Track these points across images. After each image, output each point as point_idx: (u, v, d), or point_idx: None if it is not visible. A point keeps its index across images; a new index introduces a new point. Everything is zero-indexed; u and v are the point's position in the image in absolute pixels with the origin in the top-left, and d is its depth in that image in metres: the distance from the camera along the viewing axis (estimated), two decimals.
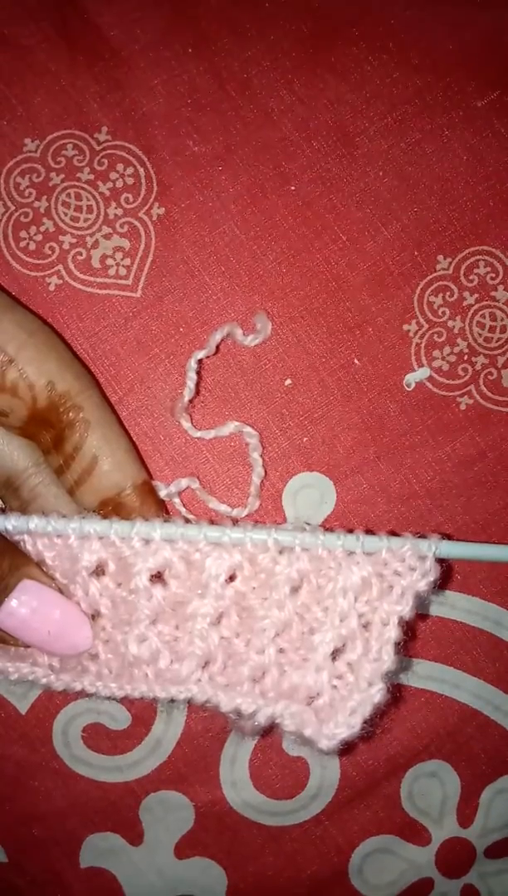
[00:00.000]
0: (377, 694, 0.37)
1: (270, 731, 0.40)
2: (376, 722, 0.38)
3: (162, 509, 0.40)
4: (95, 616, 0.38)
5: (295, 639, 0.38)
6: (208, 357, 0.45)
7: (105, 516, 0.38)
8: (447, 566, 0.46)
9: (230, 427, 0.44)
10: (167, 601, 0.37)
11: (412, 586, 0.37)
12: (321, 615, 0.38)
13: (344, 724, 0.37)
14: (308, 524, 0.40)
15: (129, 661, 0.37)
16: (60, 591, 0.37)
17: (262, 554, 0.37)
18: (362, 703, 0.37)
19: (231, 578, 0.38)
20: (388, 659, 0.38)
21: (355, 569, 0.37)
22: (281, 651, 0.38)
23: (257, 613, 0.38)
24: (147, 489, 0.39)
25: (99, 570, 0.37)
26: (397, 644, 0.38)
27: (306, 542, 0.37)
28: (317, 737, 0.37)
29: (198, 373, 0.45)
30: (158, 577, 0.38)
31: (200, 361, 0.45)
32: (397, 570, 0.37)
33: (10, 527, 0.37)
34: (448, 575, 0.46)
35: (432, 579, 0.38)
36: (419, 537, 0.38)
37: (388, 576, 0.38)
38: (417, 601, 0.38)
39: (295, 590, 0.38)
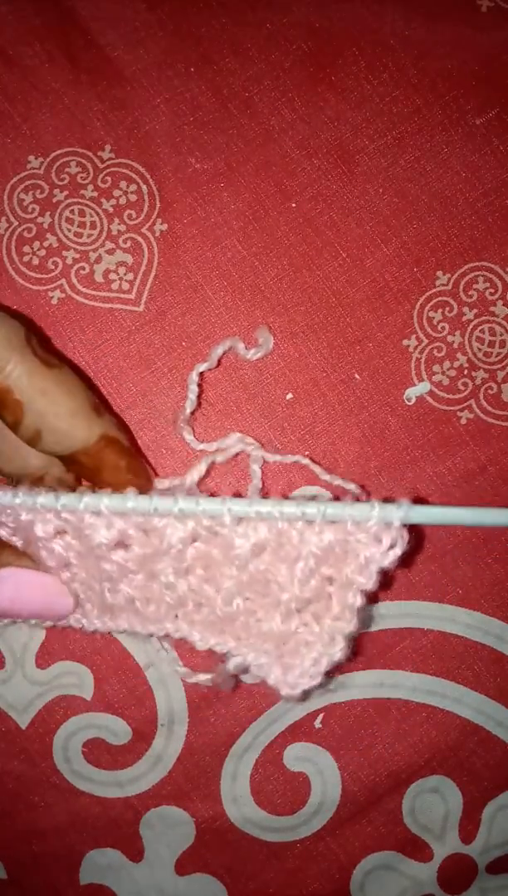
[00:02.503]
0: (338, 652, 0.37)
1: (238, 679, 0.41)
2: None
3: (131, 457, 0.39)
4: (67, 565, 0.38)
5: (261, 591, 0.38)
6: (210, 371, 0.45)
7: (74, 479, 0.39)
8: (447, 580, 0.46)
9: (232, 439, 0.44)
10: (131, 562, 0.37)
11: (377, 559, 0.36)
12: (285, 572, 0.37)
13: (306, 675, 0.37)
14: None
15: (107, 604, 0.38)
16: (34, 566, 0.37)
17: (219, 526, 0.36)
18: (323, 656, 0.37)
19: (194, 539, 0.37)
20: (350, 622, 0.37)
21: (315, 539, 0.36)
22: (248, 599, 0.38)
23: (222, 569, 0.37)
24: (103, 445, 0.37)
25: (60, 531, 0.37)
26: (359, 609, 0.37)
27: (263, 513, 0.35)
28: (280, 685, 0.37)
29: (200, 386, 0.45)
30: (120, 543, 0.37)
31: (201, 375, 0.45)
32: (361, 540, 0.36)
33: None
34: (448, 589, 0.46)
35: (400, 551, 0.36)
36: (388, 502, 0.36)
37: (352, 542, 0.36)
38: (381, 574, 0.36)
39: (257, 553, 0.37)
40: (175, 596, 0.38)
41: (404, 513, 0.35)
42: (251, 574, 0.37)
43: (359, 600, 0.37)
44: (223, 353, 0.45)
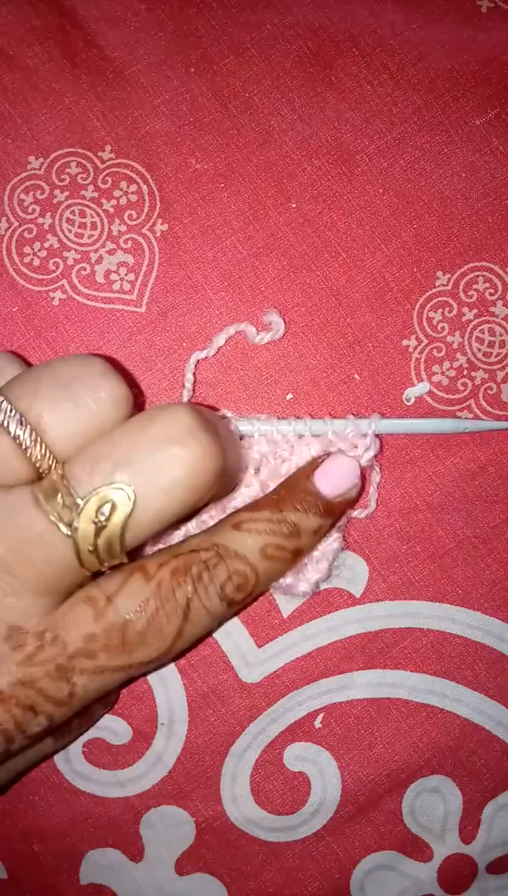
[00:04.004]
0: (335, 542, 0.43)
1: None
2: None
3: None
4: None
5: None
6: (210, 371, 0.45)
7: None
8: (447, 580, 0.46)
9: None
10: None
11: (356, 459, 0.42)
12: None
13: (314, 570, 0.43)
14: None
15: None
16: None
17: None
18: (325, 552, 0.43)
19: None
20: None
21: (305, 449, 0.42)
22: None
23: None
24: None
25: None
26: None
27: (262, 429, 0.42)
28: (296, 582, 0.42)
29: (199, 385, 0.45)
30: None
31: (201, 374, 0.45)
32: (341, 448, 0.42)
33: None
34: (448, 589, 0.46)
35: (373, 453, 0.43)
36: (360, 417, 0.44)
37: (335, 452, 0.42)
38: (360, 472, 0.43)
39: (257, 470, 0.42)
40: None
41: (374, 423, 0.43)
42: (255, 490, 0.42)
43: None
44: (225, 344, 0.45)
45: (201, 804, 0.47)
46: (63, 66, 0.45)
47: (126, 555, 0.33)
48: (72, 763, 0.46)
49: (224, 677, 0.46)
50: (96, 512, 0.31)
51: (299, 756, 0.47)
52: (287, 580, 0.42)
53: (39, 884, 0.47)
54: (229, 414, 0.44)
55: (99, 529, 0.31)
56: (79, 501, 0.31)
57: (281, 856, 0.47)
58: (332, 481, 0.40)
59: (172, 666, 0.46)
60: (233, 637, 0.46)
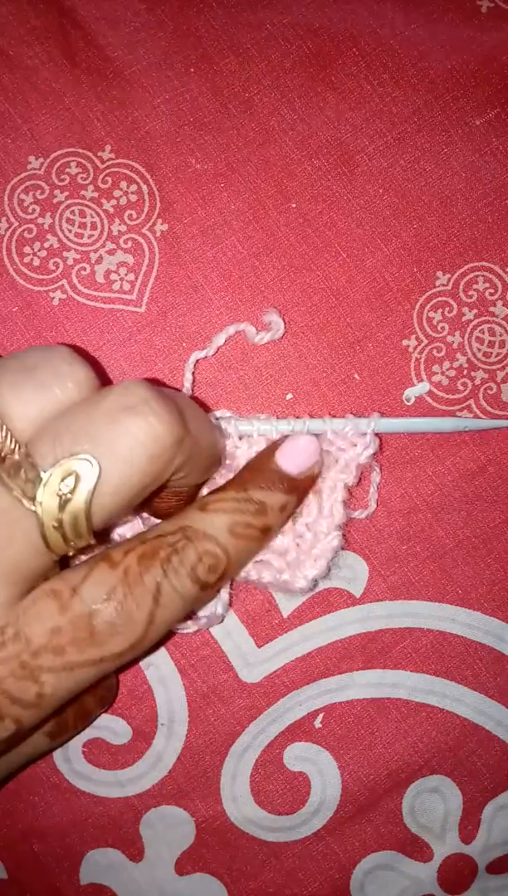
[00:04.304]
0: (334, 540, 0.43)
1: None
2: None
3: None
4: None
5: None
6: (210, 371, 0.45)
7: None
8: (447, 580, 0.46)
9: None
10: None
11: (354, 458, 0.43)
12: None
13: (313, 567, 0.42)
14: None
15: None
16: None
17: (225, 441, 0.42)
18: (324, 549, 0.43)
19: None
20: (338, 514, 0.43)
21: None
22: None
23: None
24: None
25: None
26: (343, 503, 0.43)
27: (261, 429, 0.42)
28: (293, 578, 0.42)
29: (198, 385, 0.45)
30: None
31: (201, 374, 0.45)
32: (340, 447, 0.43)
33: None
34: (448, 589, 0.46)
35: (372, 452, 0.43)
36: (360, 416, 0.44)
37: (334, 451, 0.43)
38: (359, 470, 0.43)
39: None
40: None
41: (373, 422, 0.43)
42: None
43: (344, 495, 0.43)
44: (224, 344, 0.45)
45: (200, 804, 0.47)
46: (63, 66, 0.45)
47: (93, 537, 0.32)
48: (72, 763, 0.46)
49: (224, 677, 0.46)
50: (60, 484, 0.30)
51: (300, 756, 0.47)
52: (285, 576, 0.42)
53: (39, 884, 0.47)
54: (228, 414, 0.44)
55: (64, 503, 0.30)
56: (42, 475, 0.30)
57: (281, 856, 0.47)
58: (293, 459, 0.40)
59: (172, 666, 0.46)
60: (233, 637, 0.46)
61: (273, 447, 0.41)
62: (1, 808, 0.46)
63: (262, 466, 0.40)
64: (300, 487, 0.41)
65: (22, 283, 0.45)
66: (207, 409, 0.45)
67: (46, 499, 0.30)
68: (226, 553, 0.36)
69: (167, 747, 0.46)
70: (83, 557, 0.39)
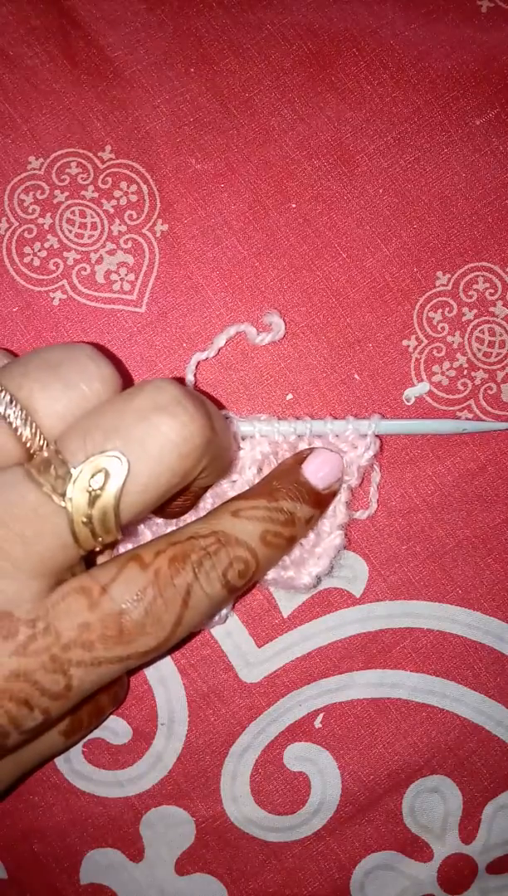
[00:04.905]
0: (337, 539, 0.43)
1: None
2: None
3: None
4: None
5: None
6: (210, 372, 0.45)
7: None
8: (447, 580, 0.46)
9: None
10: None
11: (356, 460, 0.43)
12: None
13: (316, 565, 0.43)
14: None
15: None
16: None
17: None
18: (326, 548, 0.43)
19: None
20: (341, 514, 0.43)
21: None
22: None
23: (228, 494, 0.43)
24: None
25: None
26: (346, 503, 0.43)
27: (263, 430, 0.43)
28: (298, 575, 0.43)
29: (199, 388, 0.45)
30: None
31: (201, 374, 0.45)
32: (342, 448, 0.43)
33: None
34: (448, 589, 0.46)
35: (373, 453, 0.44)
36: (361, 418, 0.44)
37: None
38: (361, 472, 0.44)
39: (259, 470, 0.43)
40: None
41: (374, 424, 0.44)
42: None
43: (347, 495, 0.44)
44: (225, 344, 0.45)
45: (200, 804, 0.47)
46: (63, 67, 0.45)
47: (121, 532, 0.32)
48: (72, 763, 0.46)
49: (224, 677, 0.46)
50: (90, 480, 0.31)
51: (300, 756, 0.47)
52: (289, 573, 0.43)
53: (39, 884, 0.47)
54: (229, 414, 0.44)
55: (93, 499, 0.31)
56: (72, 471, 0.31)
57: (281, 856, 0.47)
58: (321, 475, 0.41)
59: (172, 666, 0.46)
60: (233, 637, 0.46)
61: (299, 459, 0.42)
62: (1, 808, 0.46)
63: (291, 477, 0.41)
64: (324, 503, 0.42)
65: (22, 284, 0.45)
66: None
67: (76, 495, 0.31)
68: (256, 559, 0.37)
69: (167, 747, 0.46)
70: (104, 554, 0.40)
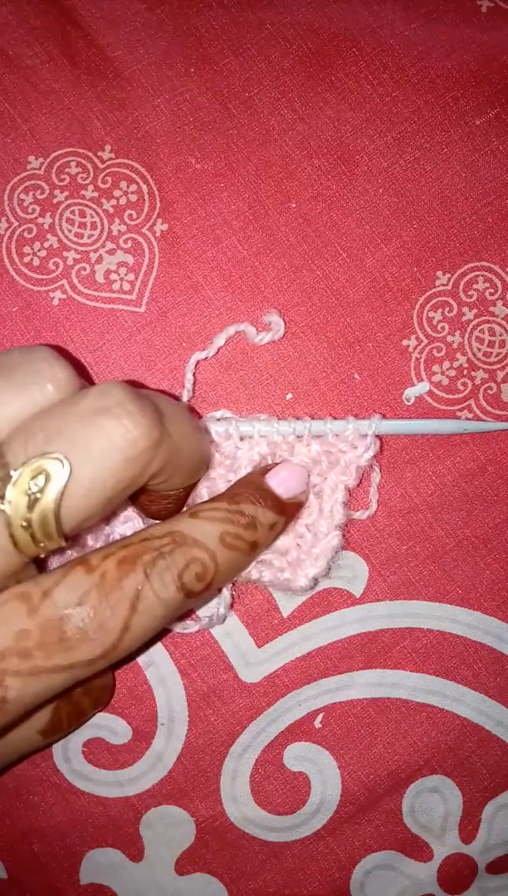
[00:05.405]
0: (334, 540, 0.43)
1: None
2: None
3: None
4: None
5: None
6: (210, 371, 0.45)
7: None
8: (447, 580, 0.46)
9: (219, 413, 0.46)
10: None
11: (355, 460, 0.43)
12: None
13: (312, 566, 0.43)
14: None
15: None
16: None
17: (225, 442, 0.43)
18: (324, 549, 0.43)
19: None
20: (339, 515, 0.43)
21: (304, 450, 0.43)
22: None
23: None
24: None
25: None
26: (344, 504, 0.43)
27: (262, 430, 0.43)
28: (294, 577, 0.43)
29: (199, 386, 0.45)
30: None
31: (201, 374, 0.45)
32: (341, 448, 0.43)
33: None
34: (448, 589, 0.46)
35: (372, 454, 0.44)
36: (361, 418, 0.44)
37: (335, 452, 0.44)
38: (359, 472, 0.44)
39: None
40: None
41: (374, 424, 0.43)
42: None
43: (344, 496, 0.43)
44: (225, 344, 0.45)
45: (200, 804, 0.47)
46: (63, 66, 0.45)
47: (64, 539, 0.31)
48: (72, 763, 0.46)
49: (224, 677, 0.46)
50: (30, 483, 0.30)
51: (299, 756, 0.47)
52: (286, 574, 0.43)
53: (39, 883, 0.47)
54: (229, 414, 0.44)
55: (33, 502, 0.30)
56: (12, 473, 0.30)
57: (281, 856, 0.47)
58: (284, 483, 0.41)
59: (172, 666, 0.46)
60: (233, 637, 0.46)
61: (264, 469, 0.42)
62: (1, 807, 0.46)
63: (254, 483, 0.40)
64: (288, 511, 0.41)
65: (22, 283, 0.45)
66: (198, 412, 0.45)
67: (16, 497, 0.30)
68: (215, 561, 0.35)
69: (167, 747, 0.46)
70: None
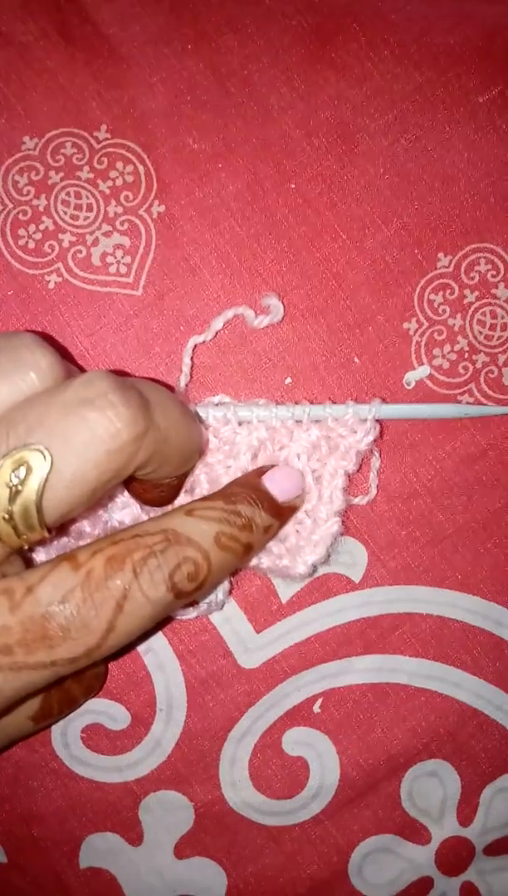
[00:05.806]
0: (334, 526, 0.43)
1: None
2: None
3: None
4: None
5: None
6: (208, 356, 0.45)
7: None
8: (446, 565, 0.46)
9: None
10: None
11: (355, 445, 0.43)
12: None
13: (312, 553, 0.43)
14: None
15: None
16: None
17: (224, 427, 0.42)
18: (323, 535, 0.43)
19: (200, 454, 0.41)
20: (338, 501, 0.43)
21: (304, 435, 0.43)
22: None
23: (222, 480, 0.42)
24: None
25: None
26: (343, 489, 0.43)
27: (261, 415, 0.42)
28: (293, 563, 0.42)
29: (197, 370, 0.45)
30: None
31: (199, 359, 0.45)
32: (341, 433, 0.43)
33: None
34: (448, 574, 0.46)
35: (372, 438, 0.43)
36: (361, 403, 0.44)
37: (334, 437, 0.43)
38: (359, 457, 0.43)
39: (254, 456, 0.43)
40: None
41: (374, 408, 0.43)
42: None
43: (344, 481, 0.43)
44: (223, 328, 0.45)
45: (199, 789, 0.47)
46: (57, 43, 0.44)
47: (47, 530, 0.31)
48: (70, 748, 0.46)
49: (223, 663, 0.46)
50: (11, 475, 0.29)
51: (298, 741, 0.47)
52: (285, 561, 0.42)
53: (39, 868, 0.47)
54: (227, 399, 0.44)
55: (14, 494, 0.30)
56: None
57: (280, 840, 0.47)
58: (280, 486, 0.41)
59: (170, 651, 0.46)
60: (232, 622, 0.46)
61: (260, 470, 0.41)
62: (0, 793, 0.46)
63: (250, 484, 0.40)
64: (284, 514, 0.41)
65: (17, 267, 0.44)
66: (196, 397, 0.45)
67: None
68: (208, 562, 0.35)
69: (166, 732, 0.46)
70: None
